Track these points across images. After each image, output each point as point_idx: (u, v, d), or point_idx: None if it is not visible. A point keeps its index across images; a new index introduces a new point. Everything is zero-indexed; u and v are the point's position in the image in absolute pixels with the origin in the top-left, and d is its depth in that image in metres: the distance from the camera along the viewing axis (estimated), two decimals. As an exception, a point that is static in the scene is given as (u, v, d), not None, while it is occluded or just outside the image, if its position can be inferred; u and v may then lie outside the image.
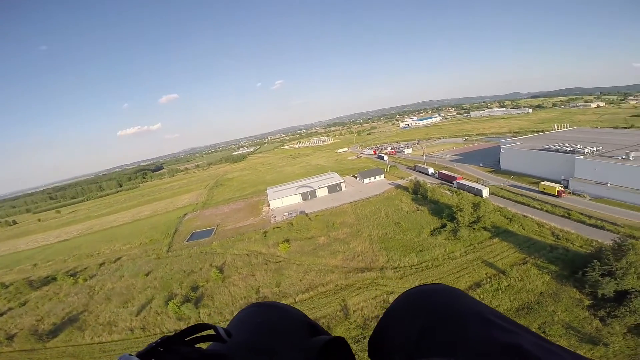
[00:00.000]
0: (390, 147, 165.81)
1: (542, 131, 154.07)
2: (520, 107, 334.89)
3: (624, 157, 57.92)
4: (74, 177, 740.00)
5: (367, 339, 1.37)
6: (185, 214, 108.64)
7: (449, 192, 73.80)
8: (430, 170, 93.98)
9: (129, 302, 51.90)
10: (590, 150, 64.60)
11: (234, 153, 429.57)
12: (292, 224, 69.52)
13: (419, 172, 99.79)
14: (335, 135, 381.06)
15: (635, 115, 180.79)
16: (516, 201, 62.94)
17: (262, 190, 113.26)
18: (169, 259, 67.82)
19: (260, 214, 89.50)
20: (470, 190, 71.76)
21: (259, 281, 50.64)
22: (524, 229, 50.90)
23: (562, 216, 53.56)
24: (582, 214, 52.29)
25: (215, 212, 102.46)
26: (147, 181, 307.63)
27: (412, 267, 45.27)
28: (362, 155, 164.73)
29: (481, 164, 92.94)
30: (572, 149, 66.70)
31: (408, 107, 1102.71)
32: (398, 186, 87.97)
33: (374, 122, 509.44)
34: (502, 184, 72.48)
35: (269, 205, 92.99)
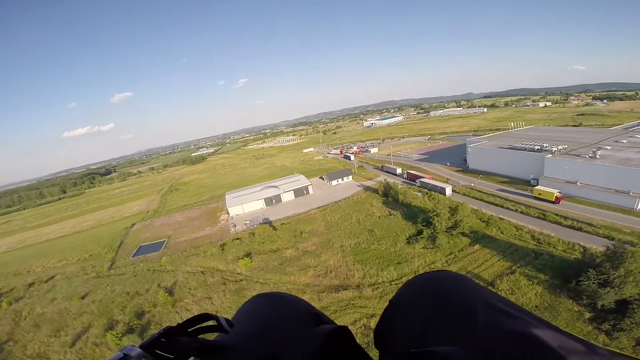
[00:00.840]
0: (356, 147, 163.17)
1: (500, 129, 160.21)
2: (476, 107, 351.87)
3: (590, 155, 58.08)
4: (13, 183, 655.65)
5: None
6: (133, 224, 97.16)
7: (419, 194, 70.73)
8: (399, 171, 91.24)
9: (61, 330, 44.17)
10: (557, 148, 64.62)
11: (193, 154, 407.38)
12: (255, 235, 62.08)
13: (387, 172, 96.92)
14: (301, 135, 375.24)
15: (580, 114, 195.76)
16: (489, 202, 61.02)
17: (221, 195, 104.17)
18: (110, 278, 59.22)
19: (218, 222, 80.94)
20: (433, 188, 70.51)
21: (216, 305, 43.52)
22: (502, 233, 48.29)
23: (538, 217, 51.88)
24: (557, 215, 50.82)
25: (168, 222, 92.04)
26: (94, 186, 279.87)
27: (392, 283, 40.26)
28: (328, 155, 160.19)
29: (448, 163, 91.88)
30: (539, 147, 66.49)
31: (371, 107, 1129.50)
32: (367, 188, 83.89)
33: (339, 122, 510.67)
34: (472, 184, 70.82)
35: (227, 213, 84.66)
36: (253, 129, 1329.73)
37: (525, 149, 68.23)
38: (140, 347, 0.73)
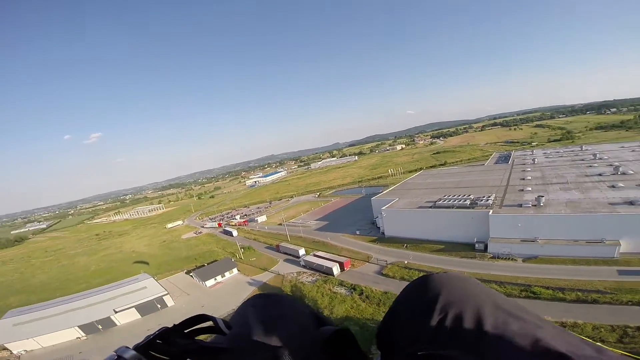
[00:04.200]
0: (239, 215, 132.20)
1: (382, 177, 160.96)
2: (347, 155, 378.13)
3: (534, 203, 47.50)
4: None
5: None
6: None
7: (344, 291, 47.28)
8: (301, 252, 66.01)
9: None
10: (492, 200, 53.14)
11: (13, 232, 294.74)
12: None
13: (285, 253, 70.59)
14: (170, 202, 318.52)
15: (436, 153, 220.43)
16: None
17: (15, 306, 65.06)
18: None
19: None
20: (318, 268, 56.73)
21: None
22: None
23: (526, 297, 36.72)
24: (546, 288, 37.08)
25: None
26: None
27: None
28: (202, 230, 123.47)
29: (357, 232, 72.36)
30: (470, 202, 53.89)
31: (253, 163, 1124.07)
32: (264, 288, 55.58)
33: (218, 181, 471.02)
34: (405, 261, 51.93)
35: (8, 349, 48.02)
36: (111, 194, 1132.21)
37: (453, 206, 54.57)
38: (134, 348, 0.70)
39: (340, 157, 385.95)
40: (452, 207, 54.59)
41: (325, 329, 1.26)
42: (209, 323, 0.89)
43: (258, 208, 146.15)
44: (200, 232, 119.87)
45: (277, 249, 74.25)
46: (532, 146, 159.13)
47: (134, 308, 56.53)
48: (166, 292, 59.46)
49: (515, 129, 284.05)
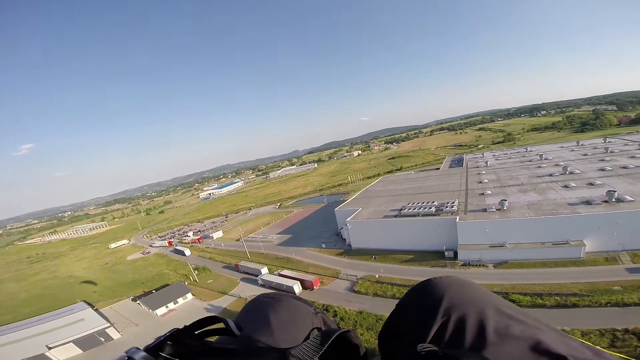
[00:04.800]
0: (192, 232, 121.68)
1: (341, 184, 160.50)
2: (307, 163, 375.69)
3: (498, 208, 47.27)
4: None
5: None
6: None
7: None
8: (264, 271, 60.43)
9: None
10: (456, 206, 52.36)
11: None
12: None
13: (246, 273, 64.38)
14: (114, 218, 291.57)
15: (392, 158, 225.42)
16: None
17: None
18: None
19: None
20: (278, 287, 52.85)
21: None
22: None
23: None
24: (524, 294, 35.85)
25: None
26: None
27: None
28: (150, 249, 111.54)
29: (323, 245, 68.27)
30: (435, 209, 52.67)
31: (207, 173, 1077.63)
32: (225, 314, 48.03)
33: (169, 194, 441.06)
34: (377, 274, 48.99)
35: None
36: (46, 212, 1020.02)
37: (419, 214, 53.00)
38: (145, 350, 0.70)
39: (300, 164, 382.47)
40: (418, 215, 53.03)
41: (330, 330, 1.28)
42: (220, 325, 0.91)
43: (213, 223, 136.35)
44: (148, 252, 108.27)
45: (236, 268, 67.50)
46: (479, 149, 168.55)
47: (70, 341, 48.54)
48: (109, 325, 51.62)
49: (461, 133, 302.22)
